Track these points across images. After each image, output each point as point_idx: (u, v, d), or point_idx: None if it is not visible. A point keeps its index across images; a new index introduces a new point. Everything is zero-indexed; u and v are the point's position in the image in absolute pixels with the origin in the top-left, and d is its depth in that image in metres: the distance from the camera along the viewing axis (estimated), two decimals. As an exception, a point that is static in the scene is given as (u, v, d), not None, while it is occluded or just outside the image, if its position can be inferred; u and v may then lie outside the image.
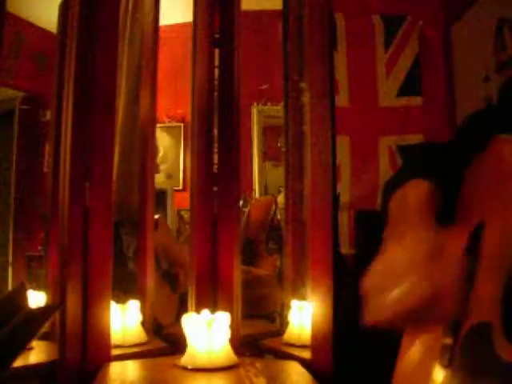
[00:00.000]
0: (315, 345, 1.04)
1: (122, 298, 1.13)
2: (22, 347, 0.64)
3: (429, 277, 0.48)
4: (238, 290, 1.10)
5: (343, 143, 2.56)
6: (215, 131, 1.16)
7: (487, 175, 0.51)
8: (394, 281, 0.50)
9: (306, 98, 1.21)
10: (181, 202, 2.23)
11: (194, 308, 1.07)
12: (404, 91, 2.66)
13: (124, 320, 1.11)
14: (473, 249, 0.48)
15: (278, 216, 1.99)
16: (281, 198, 1.90)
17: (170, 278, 1.49)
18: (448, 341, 0.46)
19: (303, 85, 1.33)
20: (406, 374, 0.52)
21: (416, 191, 0.55)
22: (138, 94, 1.44)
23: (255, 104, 2.63)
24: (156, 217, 1.42)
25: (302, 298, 1.24)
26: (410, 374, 0.52)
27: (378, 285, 0.52)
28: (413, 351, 0.52)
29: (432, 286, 0.48)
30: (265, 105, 2.64)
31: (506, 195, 0.47)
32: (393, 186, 0.58)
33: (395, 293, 0.49)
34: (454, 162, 0.57)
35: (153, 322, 1.27)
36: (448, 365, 0.44)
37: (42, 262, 1.47)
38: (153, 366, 1.01)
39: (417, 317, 0.50)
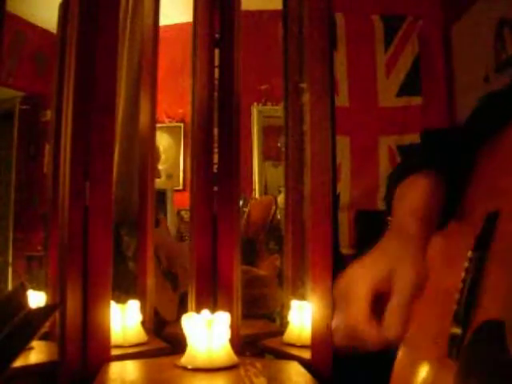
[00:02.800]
0: (315, 345, 1.04)
1: (122, 298, 1.13)
2: (22, 347, 0.64)
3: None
4: (237, 290, 1.10)
5: (343, 143, 2.56)
6: (215, 131, 1.16)
7: (507, 156, 0.44)
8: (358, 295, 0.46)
9: (305, 98, 1.21)
10: (181, 201, 2.23)
11: (194, 308, 1.07)
12: (404, 91, 2.65)
13: (124, 320, 1.11)
14: (484, 242, 0.42)
15: (278, 216, 1.99)
16: (281, 198, 1.90)
17: (171, 276, 1.49)
18: (456, 330, 0.41)
19: (303, 85, 1.33)
20: (406, 374, 0.52)
21: (414, 193, 0.51)
22: (138, 93, 1.44)
23: (255, 104, 2.63)
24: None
25: (302, 297, 1.24)
26: (410, 375, 0.52)
27: (344, 295, 0.47)
28: (412, 352, 0.52)
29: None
30: (265, 105, 2.63)
31: None
32: (396, 179, 0.55)
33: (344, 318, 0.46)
34: (461, 147, 0.51)
35: (155, 320, 1.27)
36: (457, 357, 0.40)
37: (42, 262, 1.47)
38: (153, 365, 1.01)
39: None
